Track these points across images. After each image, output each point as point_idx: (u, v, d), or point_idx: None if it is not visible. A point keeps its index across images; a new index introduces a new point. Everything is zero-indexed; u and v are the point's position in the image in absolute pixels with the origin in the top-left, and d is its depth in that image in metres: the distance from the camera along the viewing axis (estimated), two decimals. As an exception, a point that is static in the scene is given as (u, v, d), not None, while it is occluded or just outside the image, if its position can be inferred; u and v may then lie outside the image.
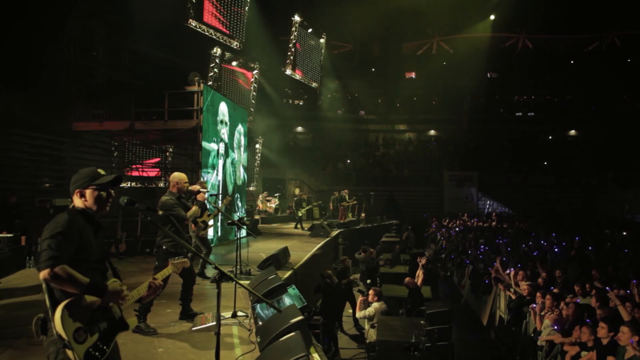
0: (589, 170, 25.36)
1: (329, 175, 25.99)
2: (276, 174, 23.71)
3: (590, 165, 25.68)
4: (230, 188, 12.39)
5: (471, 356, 8.30)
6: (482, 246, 13.15)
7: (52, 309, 2.25)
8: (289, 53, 20.23)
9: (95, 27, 13.36)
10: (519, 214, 23.34)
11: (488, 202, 25.84)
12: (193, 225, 6.90)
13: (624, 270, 9.29)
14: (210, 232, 10.51)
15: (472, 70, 27.46)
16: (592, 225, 19.21)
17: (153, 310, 4.98)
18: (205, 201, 7.41)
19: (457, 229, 18.40)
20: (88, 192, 2.59)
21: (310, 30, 21.11)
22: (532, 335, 7.03)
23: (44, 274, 2.22)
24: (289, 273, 7.62)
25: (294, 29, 20.25)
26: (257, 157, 20.70)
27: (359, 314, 7.77)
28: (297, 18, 20.21)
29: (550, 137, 30.02)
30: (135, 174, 13.29)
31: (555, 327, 6.22)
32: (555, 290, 7.24)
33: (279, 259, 7.94)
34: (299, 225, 15.94)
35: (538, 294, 7.13)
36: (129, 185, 13.00)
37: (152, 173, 13.85)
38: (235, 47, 16.71)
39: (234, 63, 17.80)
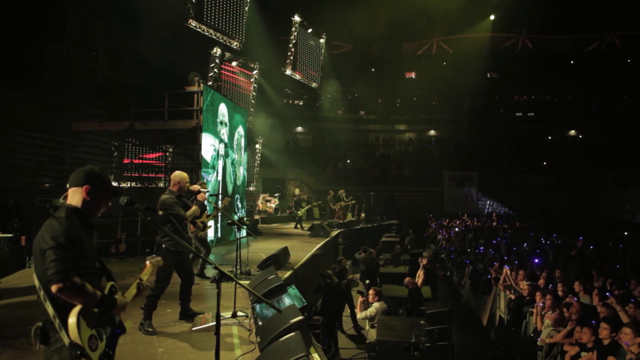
0: (589, 170, 25.37)
1: (329, 175, 26.00)
2: (276, 174, 23.72)
3: (590, 165, 25.69)
4: (230, 188, 12.40)
5: (471, 356, 8.30)
6: (481, 247, 13.15)
7: (60, 316, 2.15)
8: (289, 53, 20.23)
9: (95, 27, 13.36)
10: (519, 214, 23.34)
11: (488, 202, 25.84)
12: (192, 225, 6.90)
13: (624, 271, 9.29)
14: (211, 233, 10.52)
15: (472, 70, 27.47)
16: (592, 225, 19.21)
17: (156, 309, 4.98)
18: (205, 201, 7.40)
19: (456, 229, 18.40)
20: (98, 193, 2.46)
21: (310, 30, 21.11)
22: (532, 335, 7.03)
23: (55, 288, 2.11)
24: (289, 273, 7.62)
25: (294, 29, 20.25)
26: (257, 157, 20.70)
27: (360, 315, 7.77)
28: (297, 18, 20.21)
29: (550, 137, 30.03)
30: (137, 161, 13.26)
31: (554, 328, 6.22)
32: (560, 292, 7.24)
33: (279, 259, 7.95)
34: (298, 226, 15.94)
35: (538, 294, 7.13)
36: (129, 185, 13.00)
37: (154, 160, 13.79)
38: (235, 47, 16.71)
39: (234, 63, 17.80)
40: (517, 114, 30.54)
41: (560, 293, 7.16)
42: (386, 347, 5.93)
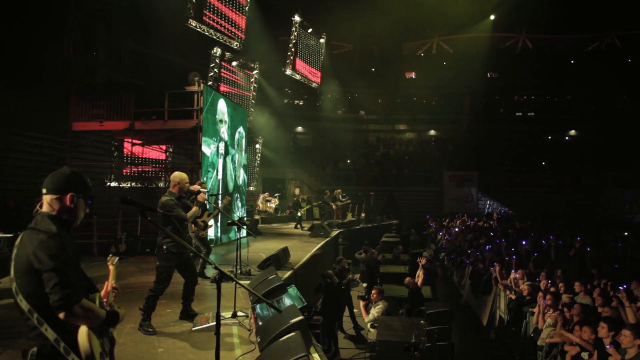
0: (589, 170, 25.37)
1: (329, 175, 26.00)
2: (276, 174, 23.72)
3: (590, 165, 25.70)
4: (230, 187, 12.40)
5: (471, 356, 8.30)
6: (480, 247, 13.15)
7: (65, 339, 2.01)
8: (289, 53, 20.23)
9: (95, 27, 13.37)
10: (519, 214, 23.34)
11: (488, 202, 25.85)
12: (193, 225, 6.90)
13: (623, 271, 9.29)
14: (211, 233, 10.52)
15: (472, 70, 27.49)
16: (592, 225, 19.20)
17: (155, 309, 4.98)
18: (205, 201, 7.41)
19: (456, 229, 18.40)
20: (80, 200, 2.27)
21: (310, 30, 21.11)
22: (532, 335, 7.04)
23: (63, 315, 1.97)
24: (289, 273, 7.62)
25: (294, 29, 20.25)
26: (257, 157, 20.70)
27: (368, 318, 7.75)
28: (297, 18, 20.21)
29: (550, 137, 30.03)
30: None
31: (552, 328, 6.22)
32: (562, 292, 7.24)
33: (279, 259, 7.95)
34: (299, 226, 15.95)
35: (539, 294, 7.13)
36: (129, 185, 13.00)
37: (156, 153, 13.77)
38: (235, 47, 16.71)
39: (234, 63, 17.80)
40: (517, 114, 30.55)
41: (561, 292, 7.17)
42: (386, 347, 5.93)
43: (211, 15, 15.02)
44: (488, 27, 29.06)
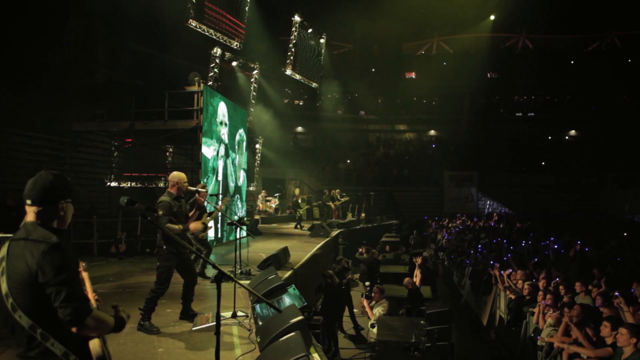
0: (589, 170, 25.37)
1: (329, 175, 26.00)
2: (276, 174, 23.72)
3: (590, 165, 25.69)
4: (231, 189, 12.40)
5: (471, 356, 8.30)
6: (480, 246, 13.15)
7: (76, 352, 1.95)
8: (289, 53, 20.24)
9: (95, 27, 13.36)
10: (519, 214, 23.34)
11: (488, 202, 25.84)
12: None
13: (623, 271, 9.28)
14: (211, 233, 10.52)
15: (472, 70, 27.48)
16: (592, 225, 19.21)
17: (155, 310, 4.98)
18: (206, 202, 7.40)
19: (456, 229, 18.40)
20: (69, 205, 2.15)
21: (310, 30, 21.11)
22: (532, 335, 7.04)
23: (76, 329, 1.90)
24: (289, 273, 7.62)
25: (294, 29, 20.26)
26: (257, 157, 20.70)
27: (374, 318, 7.74)
28: (297, 18, 20.22)
29: (550, 137, 30.03)
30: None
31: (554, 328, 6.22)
32: (562, 292, 7.24)
33: (279, 259, 7.95)
34: (298, 226, 15.96)
35: (540, 293, 7.13)
36: (129, 185, 13.00)
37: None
38: (235, 47, 16.71)
39: (234, 63, 17.81)
40: (517, 114, 30.54)
41: (561, 293, 7.17)
42: (386, 347, 5.93)
43: (211, 16, 15.03)
44: (488, 27, 29.06)
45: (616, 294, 6.28)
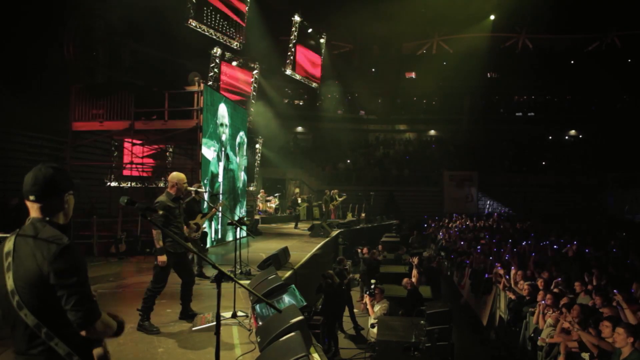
0: (589, 170, 25.37)
1: (329, 175, 26.00)
2: (276, 174, 23.73)
3: (590, 165, 25.69)
4: (229, 189, 12.39)
5: (471, 356, 8.30)
6: (480, 247, 13.15)
7: (80, 353, 1.93)
8: (289, 53, 20.24)
9: (95, 27, 13.36)
10: (519, 214, 23.34)
11: (488, 202, 25.84)
12: (185, 227, 6.81)
13: (623, 271, 9.28)
14: (211, 233, 10.53)
15: (472, 70, 27.47)
16: (592, 225, 19.21)
17: (153, 309, 4.98)
18: (205, 201, 7.39)
19: (456, 229, 18.40)
20: (71, 198, 2.12)
21: (310, 30, 21.11)
22: (532, 335, 7.04)
23: (85, 333, 1.90)
24: (289, 273, 7.61)
25: (294, 29, 20.26)
26: (257, 157, 20.71)
27: (375, 316, 7.74)
28: (297, 18, 20.22)
29: (550, 137, 30.03)
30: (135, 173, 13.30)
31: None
32: (559, 292, 7.24)
33: (279, 259, 7.94)
34: (298, 225, 16.01)
35: (541, 293, 7.13)
36: (129, 185, 13.00)
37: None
38: (235, 47, 16.71)
39: (234, 63, 17.81)
40: (517, 114, 30.54)
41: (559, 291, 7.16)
42: (386, 347, 5.93)
43: (211, 15, 15.03)
44: (488, 27, 29.05)
45: (615, 291, 6.29)
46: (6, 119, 10.06)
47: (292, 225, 16.59)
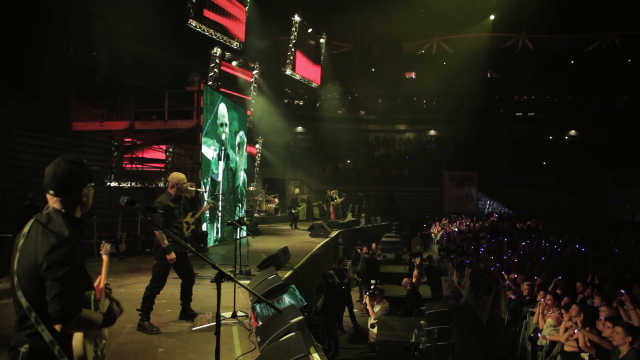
0: (589, 170, 25.37)
1: (329, 175, 26.00)
2: (276, 174, 23.72)
3: (590, 165, 25.69)
4: (229, 189, 12.38)
5: (471, 356, 8.30)
6: (481, 249, 13.16)
7: (60, 344, 1.96)
8: (288, 53, 20.24)
9: (95, 27, 13.35)
10: (519, 214, 23.34)
11: (488, 202, 25.84)
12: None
13: (624, 272, 9.29)
14: (212, 234, 10.53)
15: (472, 70, 27.48)
16: (592, 225, 19.20)
17: (153, 309, 4.98)
18: (204, 201, 7.39)
19: (456, 229, 18.41)
20: (90, 190, 2.19)
21: (310, 30, 21.11)
22: (532, 335, 7.04)
23: (59, 327, 1.91)
24: (289, 273, 7.61)
25: (294, 29, 20.26)
26: (257, 157, 20.70)
27: (374, 317, 7.74)
28: (297, 18, 20.22)
29: (550, 137, 30.03)
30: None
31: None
32: (562, 292, 7.24)
33: (279, 259, 7.94)
34: (293, 225, 16.05)
35: (541, 293, 7.13)
36: (129, 185, 13.00)
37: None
38: (235, 47, 16.71)
39: (234, 63, 17.81)
40: (517, 114, 30.53)
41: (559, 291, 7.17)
42: (386, 347, 5.93)
43: (211, 15, 15.02)
44: (488, 27, 29.05)
45: (622, 291, 6.28)
46: (6, 119, 10.05)
47: (293, 225, 16.57)
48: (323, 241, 12.14)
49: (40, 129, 11.24)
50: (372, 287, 8.32)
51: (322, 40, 22.37)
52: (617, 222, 20.76)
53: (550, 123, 29.51)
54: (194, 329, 4.92)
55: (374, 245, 13.95)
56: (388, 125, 31.40)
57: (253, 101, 19.51)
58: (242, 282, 4.09)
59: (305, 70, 21.48)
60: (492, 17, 28.42)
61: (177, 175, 5.24)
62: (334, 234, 13.71)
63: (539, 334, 6.67)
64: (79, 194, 2.14)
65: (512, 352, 7.87)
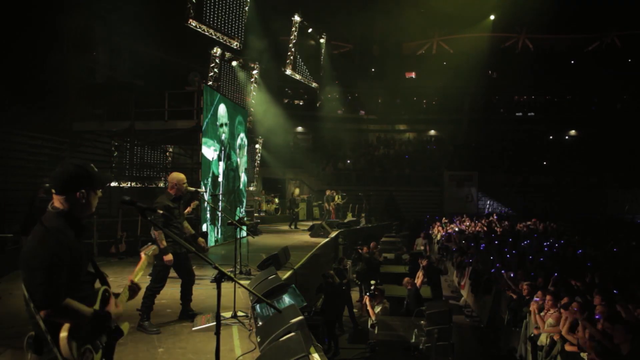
0: (589, 170, 25.37)
1: (329, 175, 25.99)
2: (276, 174, 23.72)
3: (590, 165, 25.69)
4: (229, 189, 12.38)
5: (471, 356, 8.30)
6: (482, 246, 13.16)
7: (51, 333, 2.07)
8: (289, 53, 20.24)
9: (95, 27, 13.35)
10: (519, 214, 23.33)
11: (488, 202, 25.84)
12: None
13: (624, 271, 9.29)
14: (212, 234, 10.52)
15: (472, 70, 27.47)
16: (592, 225, 19.20)
17: (153, 309, 4.98)
18: (205, 201, 7.39)
19: (456, 229, 18.40)
20: (91, 193, 2.30)
21: (310, 30, 21.11)
22: (532, 335, 7.03)
23: (43, 314, 2.03)
24: (289, 273, 7.61)
25: (294, 29, 20.26)
26: (257, 157, 20.70)
27: (375, 318, 7.74)
28: (297, 18, 20.22)
29: (550, 137, 30.03)
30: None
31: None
32: (562, 292, 7.23)
33: (279, 259, 7.94)
34: (292, 225, 16.06)
35: (539, 293, 7.13)
36: (129, 185, 13.00)
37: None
38: (235, 47, 16.71)
39: (234, 63, 17.81)
40: (517, 114, 30.50)
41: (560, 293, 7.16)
42: (386, 347, 5.93)
43: (211, 15, 15.02)
44: (488, 27, 29.04)
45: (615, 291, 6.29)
46: (6, 119, 10.04)
47: (292, 225, 16.58)
48: (323, 241, 12.15)
49: (41, 129, 11.23)
50: (372, 287, 8.33)
51: (322, 40, 22.36)
52: (617, 222, 20.75)
53: (550, 123, 29.50)
54: (194, 329, 4.92)
55: (372, 244, 13.96)
56: (388, 125, 31.38)
57: (253, 101, 19.51)
58: (242, 282, 4.09)
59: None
60: (492, 17, 28.41)
61: (177, 176, 5.25)
62: (334, 234, 13.72)
63: (533, 333, 6.67)
64: (74, 195, 2.23)
65: (512, 352, 7.87)
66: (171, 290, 5.65)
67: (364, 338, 8.37)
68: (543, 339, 6.51)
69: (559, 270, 9.09)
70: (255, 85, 19.51)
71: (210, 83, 15.37)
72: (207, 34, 15.01)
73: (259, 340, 4.27)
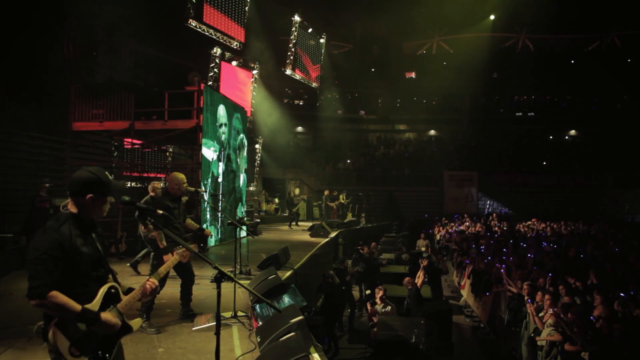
0: (589, 170, 25.37)
1: (329, 175, 25.99)
2: (276, 174, 23.72)
3: (591, 165, 25.69)
4: (229, 189, 12.38)
5: (471, 356, 8.30)
6: (482, 247, 13.15)
7: (47, 323, 2.24)
8: (289, 53, 20.23)
9: (95, 27, 13.34)
10: (519, 214, 23.33)
11: (488, 202, 25.84)
12: (143, 226, 6.47)
13: (624, 272, 9.28)
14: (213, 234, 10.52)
15: (472, 70, 27.45)
16: (592, 225, 19.19)
17: (153, 309, 4.98)
18: (205, 201, 7.39)
19: (456, 229, 18.40)
20: (98, 199, 2.45)
21: (310, 30, 21.11)
22: (532, 335, 7.03)
23: (32, 303, 2.18)
24: (289, 273, 7.61)
25: (294, 29, 20.26)
26: (257, 157, 20.70)
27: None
28: (297, 18, 20.22)
29: (550, 137, 30.03)
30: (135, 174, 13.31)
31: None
32: (562, 293, 7.24)
33: (279, 259, 7.94)
34: (293, 223, 16.07)
35: (538, 293, 7.13)
36: (129, 185, 13.00)
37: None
38: (235, 47, 16.71)
39: (234, 63, 17.81)
40: (517, 114, 30.51)
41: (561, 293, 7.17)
42: (386, 347, 5.93)
43: (211, 15, 15.02)
44: (488, 27, 29.03)
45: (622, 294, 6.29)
46: (6, 119, 10.05)
47: (291, 225, 16.58)
48: (323, 241, 12.15)
49: (41, 129, 11.23)
50: (367, 293, 8.33)
51: (322, 40, 22.36)
52: (617, 222, 20.75)
53: (550, 123, 29.50)
54: (194, 329, 4.92)
55: (372, 244, 13.96)
56: (388, 125, 31.38)
57: (253, 101, 19.50)
58: (242, 282, 4.09)
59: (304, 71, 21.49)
60: (492, 17, 28.39)
61: (176, 176, 5.25)
62: (334, 234, 13.72)
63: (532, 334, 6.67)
64: (83, 199, 2.39)
65: (512, 352, 7.87)
66: (171, 290, 5.65)
67: (364, 338, 8.38)
68: (544, 337, 6.50)
69: (559, 270, 9.10)
70: (255, 85, 19.51)
71: (210, 83, 15.38)
72: (207, 34, 15.01)
73: (259, 340, 4.27)
